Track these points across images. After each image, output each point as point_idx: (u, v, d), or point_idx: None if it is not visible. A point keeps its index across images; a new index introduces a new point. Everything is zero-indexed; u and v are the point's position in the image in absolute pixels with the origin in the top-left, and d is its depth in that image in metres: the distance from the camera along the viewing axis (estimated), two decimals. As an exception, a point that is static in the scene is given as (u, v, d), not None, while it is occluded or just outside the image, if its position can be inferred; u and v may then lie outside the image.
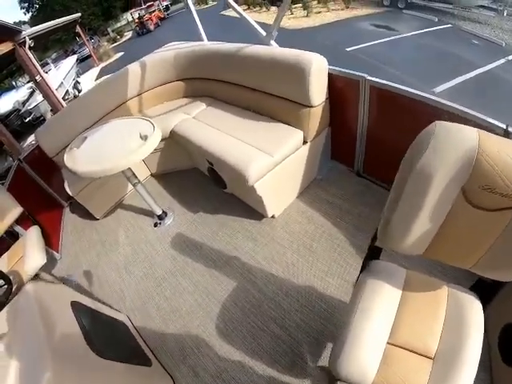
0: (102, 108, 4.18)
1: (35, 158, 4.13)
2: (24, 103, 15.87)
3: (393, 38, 12.77)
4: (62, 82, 16.69)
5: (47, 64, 20.07)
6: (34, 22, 43.34)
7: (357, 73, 2.67)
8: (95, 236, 3.98)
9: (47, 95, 12.70)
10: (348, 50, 11.80)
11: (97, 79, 20.35)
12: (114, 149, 2.88)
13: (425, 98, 2.28)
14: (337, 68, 2.79)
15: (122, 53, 26.28)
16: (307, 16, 17.00)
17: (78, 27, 22.11)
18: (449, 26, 13.28)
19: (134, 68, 4.25)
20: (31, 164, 4.17)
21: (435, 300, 1.55)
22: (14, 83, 20.40)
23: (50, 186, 4.37)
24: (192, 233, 3.45)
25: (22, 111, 15.78)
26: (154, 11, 34.99)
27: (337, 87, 2.87)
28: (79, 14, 22.71)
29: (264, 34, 3.37)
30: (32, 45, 11.89)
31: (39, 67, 12.53)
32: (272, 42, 3.32)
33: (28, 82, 15.55)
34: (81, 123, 4.00)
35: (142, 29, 31.90)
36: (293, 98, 2.94)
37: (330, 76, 2.81)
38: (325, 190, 3.31)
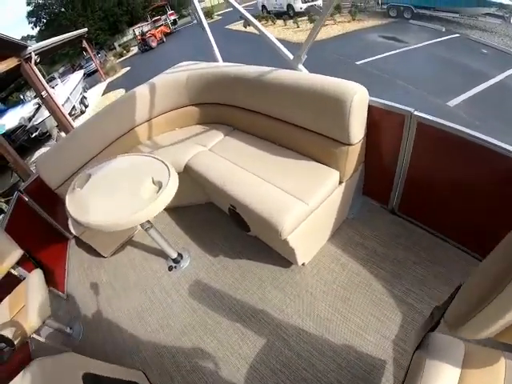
0: (109, 135, 3.86)
1: (36, 188, 3.75)
2: (30, 119, 15.69)
3: (402, 49, 12.46)
4: (68, 98, 16.55)
5: (54, 79, 19.98)
6: (41, 36, 44.10)
7: (402, 106, 2.35)
8: (103, 276, 3.64)
9: (53, 111, 12.66)
10: (358, 63, 11.46)
11: (104, 94, 20.08)
12: (124, 197, 2.50)
13: (485, 142, 1.94)
14: (379, 100, 2.44)
15: (129, 67, 25.86)
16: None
17: (84, 42, 22.28)
18: (457, 35, 13.00)
19: (142, 90, 3.90)
20: (32, 195, 3.79)
21: (492, 375, 1.27)
22: (21, 97, 20.30)
23: (53, 218, 4.02)
24: (212, 280, 3.09)
25: (29, 127, 15.60)
26: (159, 26, 34.44)
27: (377, 121, 2.52)
28: (86, 29, 22.99)
29: (291, 56, 2.97)
30: (38, 60, 11.77)
31: (45, 83, 12.47)
32: (300, 66, 2.93)
33: (35, 96, 15.26)
34: (85, 153, 3.70)
35: (144, 45, 30.94)
36: (328, 134, 2.59)
37: (370, 108, 2.46)
38: (358, 231, 2.99)
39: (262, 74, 2.99)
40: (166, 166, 2.60)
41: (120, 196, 2.52)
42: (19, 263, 3.09)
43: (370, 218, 3.06)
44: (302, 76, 2.70)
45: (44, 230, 4.01)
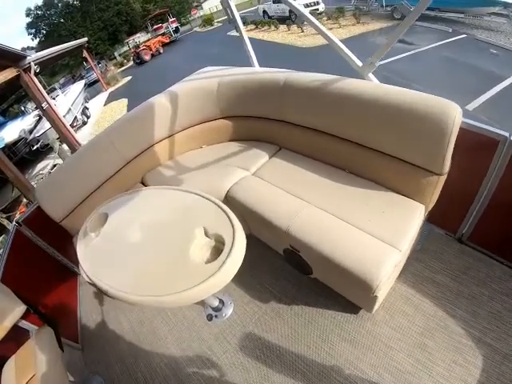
0: (121, 156, 3.26)
1: (37, 218, 3.21)
2: (31, 131, 15.24)
3: (412, 52, 12.03)
4: (70, 109, 16.00)
5: (54, 89, 19.40)
6: (41, 47, 43.45)
7: (496, 130, 2.06)
8: (125, 322, 3.10)
9: (54, 122, 12.19)
10: (366, 65, 10.88)
11: (106, 104, 19.45)
12: (162, 256, 1.73)
13: None
14: (470, 121, 2.12)
15: (130, 77, 25.04)
16: (319, 33, 15.85)
17: (85, 51, 21.77)
18: (464, 36, 12.57)
19: (160, 101, 3.29)
20: (33, 227, 3.26)
21: None
22: (22, 108, 19.82)
23: (58, 251, 3.47)
24: (264, 331, 2.56)
25: (29, 139, 15.14)
26: (159, 35, 33.20)
27: (463, 143, 2.08)
28: (86, 39, 22.53)
29: (359, 63, 2.45)
30: (38, 70, 11.29)
31: (45, 94, 11.97)
32: (370, 75, 2.45)
33: (35, 108, 14.77)
34: (93, 178, 3.19)
35: (137, 59, 28.97)
36: (414, 160, 2.17)
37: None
38: (426, 265, 2.61)
39: (320, 82, 2.48)
40: (222, 208, 1.84)
41: (155, 254, 1.78)
42: (24, 317, 2.50)
43: (437, 249, 2.70)
44: (379, 88, 2.24)
45: (49, 268, 3.47)
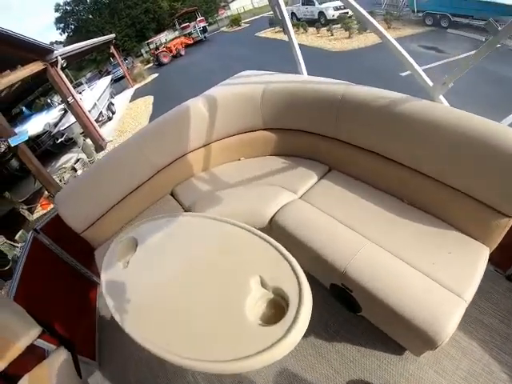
0: (149, 165, 2.97)
1: (56, 226, 2.96)
2: (56, 124, 15.24)
3: (445, 61, 11.39)
4: (95, 104, 15.85)
5: (81, 84, 19.28)
6: (69, 42, 44.28)
7: None
8: None
9: (79, 117, 12.14)
10: (402, 75, 10.34)
11: (131, 101, 19.18)
12: (214, 311, 1.43)
13: None
14: None
15: (157, 74, 24.69)
16: (349, 37, 15.58)
17: (112, 48, 21.70)
18: (498, 46, 11.83)
19: (196, 105, 2.96)
20: (51, 234, 3.06)
21: None
22: (49, 101, 19.88)
23: (78, 261, 3.25)
24: (303, 370, 2.28)
25: (54, 132, 15.17)
26: (180, 36, 32.47)
27: None
28: (113, 35, 22.45)
29: (430, 82, 2.14)
30: (65, 65, 11.20)
31: (71, 88, 11.89)
32: (441, 97, 2.12)
33: (61, 101, 14.71)
34: (116, 188, 2.92)
35: (157, 61, 27.89)
36: (484, 198, 1.92)
37: None
38: (475, 304, 2.30)
39: (383, 99, 2.17)
40: (283, 255, 1.49)
41: (202, 304, 1.46)
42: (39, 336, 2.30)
43: (486, 287, 2.36)
44: (451, 113, 1.98)
45: (67, 279, 3.24)
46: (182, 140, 2.97)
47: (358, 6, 2.21)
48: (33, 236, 3.00)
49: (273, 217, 2.40)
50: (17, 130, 13.57)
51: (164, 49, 28.49)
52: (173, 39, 32.13)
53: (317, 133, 2.66)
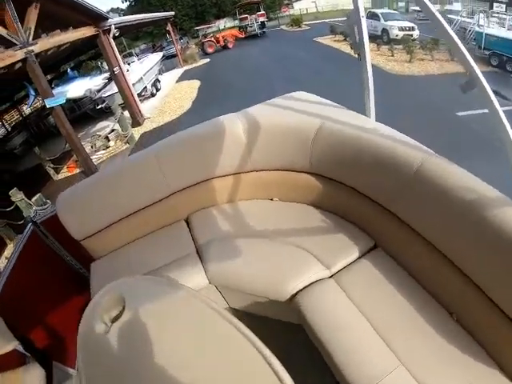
0: (167, 184, 2.61)
1: (57, 223, 2.59)
2: (98, 91, 15.33)
3: (506, 108, 10.46)
4: (141, 78, 15.73)
5: (131, 55, 19.07)
6: (130, 11, 45.25)
7: None
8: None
9: (122, 88, 12.01)
10: (459, 114, 9.61)
11: (178, 81, 18.93)
12: None
13: None
14: None
15: (208, 60, 24.14)
16: (410, 61, 14.88)
17: (169, 25, 21.53)
18: None
19: (233, 124, 2.56)
20: (51, 230, 2.77)
21: None
22: (99, 64, 19.97)
23: (77, 260, 2.95)
24: None
25: (96, 98, 15.25)
26: (229, 29, 31.57)
27: None
28: (172, 13, 22.50)
29: None
30: (117, 34, 11.07)
31: (120, 58, 11.76)
32: None
33: (108, 69, 14.67)
34: (128, 202, 2.60)
35: (202, 49, 26.92)
36: None
37: None
38: None
39: (470, 192, 1.59)
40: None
41: None
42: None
43: None
44: None
45: (62, 278, 3.01)
46: (209, 162, 2.58)
47: (449, 29, 1.73)
48: (31, 229, 2.81)
49: (296, 295, 1.97)
50: (58, 90, 13.65)
51: (211, 38, 27.61)
52: (226, 29, 31.46)
53: (372, 198, 2.15)
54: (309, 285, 1.98)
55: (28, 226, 2.86)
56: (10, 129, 18.93)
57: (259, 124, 2.48)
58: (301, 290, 1.97)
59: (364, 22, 2.12)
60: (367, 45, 2.21)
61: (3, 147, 16.26)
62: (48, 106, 8.02)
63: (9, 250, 8.33)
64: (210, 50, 26.17)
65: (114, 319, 1.49)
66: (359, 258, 2.12)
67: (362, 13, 2.09)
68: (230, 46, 26.62)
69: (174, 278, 2.12)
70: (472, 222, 1.53)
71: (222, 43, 26.65)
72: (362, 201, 2.18)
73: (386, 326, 1.71)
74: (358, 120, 2.26)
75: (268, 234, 2.32)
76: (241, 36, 28.88)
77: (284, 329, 2.30)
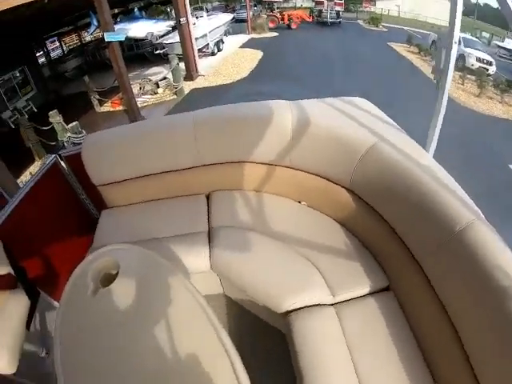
0: (198, 156, 2.53)
1: (80, 162, 2.60)
2: (161, 37, 15.52)
3: None
4: (206, 34, 15.61)
5: (201, 10, 18.87)
6: None
7: None
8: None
9: (184, 40, 11.98)
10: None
11: (241, 47, 18.55)
12: None
13: None
14: None
15: (277, 34, 23.25)
16: (478, 96, 13.92)
17: (246, -12, 21.17)
18: None
19: (281, 111, 2.41)
20: (73, 166, 2.78)
21: None
22: (168, 10, 19.91)
23: (92, 201, 3.02)
24: None
25: (156, 42, 15.48)
26: (301, 8, 29.89)
27: None
28: None
29: None
30: None
31: (189, 9, 11.75)
32: None
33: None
34: (155, 161, 2.53)
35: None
36: None
37: None
38: None
39: None
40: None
41: None
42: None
43: None
44: None
45: (72, 215, 3.01)
46: (247, 145, 2.44)
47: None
48: (54, 160, 2.77)
49: (291, 311, 1.87)
50: (120, 26, 13.72)
51: (276, 14, 26.27)
52: (300, 8, 30.03)
53: (402, 239, 1.94)
54: (308, 306, 1.88)
55: (51, 157, 2.80)
56: (66, 51, 19.27)
57: (309, 121, 2.31)
58: (298, 309, 1.87)
59: (455, 48, 1.92)
60: (450, 75, 2.02)
61: (56, 67, 16.60)
62: (106, 40, 8.01)
63: (34, 167, 8.52)
64: (270, 25, 24.97)
65: (105, 283, 1.47)
66: (368, 294, 1.99)
67: (457, 38, 1.89)
68: (294, 26, 25.41)
69: (175, 253, 2.08)
70: (496, 308, 1.37)
71: (286, 21, 25.46)
72: (391, 238, 2.01)
73: (369, 376, 1.61)
74: (414, 150, 2.06)
75: (284, 237, 2.21)
76: (308, 20, 27.13)
77: (269, 331, 2.28)
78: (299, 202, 2.54)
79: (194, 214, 2.45)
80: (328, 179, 2.35)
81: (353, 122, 2.31)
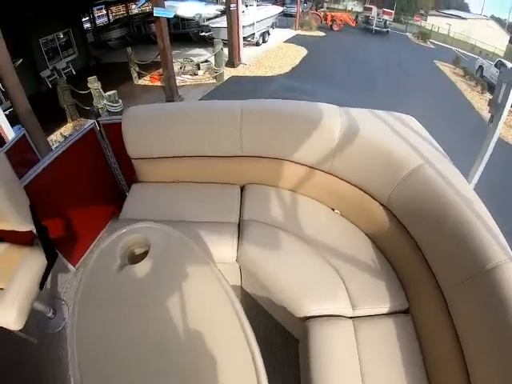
0: (239, 146, 2.47)
1: (117, 132, 2.58)
2: (208, 19, 15.64)
3: None
4: (253, 24, 15.54)
5: (252, -1, 18.81)
6: None
7: None
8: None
9: (231, 26, 12.00)
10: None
11: (285, 42, 18.35)
12: None
13: None
14: None
15: (324, 34, 22.68)
16: (512, 126, 13.48)
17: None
18: None
19: (331, 115, 2.31)
20: (109, 134, 2.84)
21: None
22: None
23: (121, 170, 3.12)
24: None
25: (203, 24, 15.69)
26: (349, 12, 29.38)
27: None
28: None
29: None
30: None
31: None
32: None
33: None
34: (193, 144, 2.50)
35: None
36: None
37: None
38: None
39: None
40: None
41: None
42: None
43: None
44: None
45: (100, 182, 3.10)
46: (291, 143, 2.37)
47: None
48: (92, 126, 2.80)
49: (309, 318, 1.85)
50: (170, 3, 13.75)
51: (320, 13, 25.56)
52: (348, 11, 29.58)
53: (430, 265, 1.88)
54: (327, 315, 1.85)
55: (90, 122, 2.81)
56: (112, 21, 19.48)
57: (358, 130, 2.22)
58: (317, 316, 1.84)
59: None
60: (507, 111, 1.91)
61: (100, 35, 16.79)
62: (155, 15, 8.03)
63: (65, 129, 8.62)
64: (314, 23, 24.08)
65: (132, 260, 1.44)
66: (386, 314, 1.95)
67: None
68: (336, 28, 24.76)
69: (202, 239, 2.06)
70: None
71: (328, 22, 24.85)
72: (419, 262, 1.96)
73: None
74: (457, 179, 1.96)
75: (313, 241, 2.16)
76: (351, 24, 26.34)
77: (280, 332, 2.28)
78: (332, 210, 2.48)
79: (226, 204, 2.42)
80: (366, 192, 2.29)
81: (400, 139, 2.22)
